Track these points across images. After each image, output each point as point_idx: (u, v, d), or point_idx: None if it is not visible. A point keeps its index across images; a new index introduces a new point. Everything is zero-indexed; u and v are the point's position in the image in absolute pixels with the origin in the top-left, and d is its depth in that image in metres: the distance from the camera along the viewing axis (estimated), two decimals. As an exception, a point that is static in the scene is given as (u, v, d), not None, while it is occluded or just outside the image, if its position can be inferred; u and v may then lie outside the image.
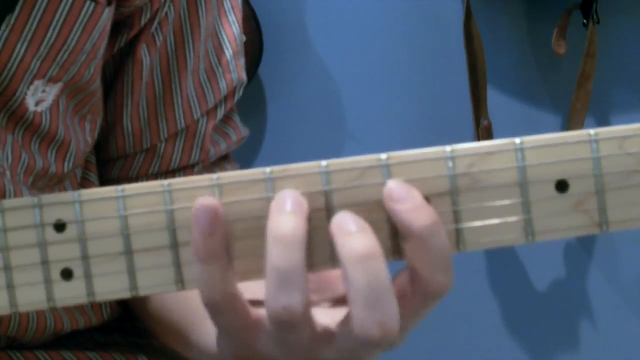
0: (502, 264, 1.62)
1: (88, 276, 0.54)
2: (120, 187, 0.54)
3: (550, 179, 0.52)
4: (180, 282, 0.54)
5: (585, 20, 1.48)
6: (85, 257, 0.54)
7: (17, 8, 0.65)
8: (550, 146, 0.52)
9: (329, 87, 1.59)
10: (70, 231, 0.54)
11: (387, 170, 0.52)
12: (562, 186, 0.52)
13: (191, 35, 0.77)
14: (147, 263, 0.54)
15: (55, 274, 0.54)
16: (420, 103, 1.58)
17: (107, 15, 0.70)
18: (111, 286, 0.54)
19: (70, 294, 0.54)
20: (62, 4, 0.67)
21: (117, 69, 0.77)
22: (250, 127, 0.86)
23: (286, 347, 0.54)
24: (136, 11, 0.74)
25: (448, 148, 0.52)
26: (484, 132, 1.50)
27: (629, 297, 1.62)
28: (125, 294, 0.54)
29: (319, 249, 0.53)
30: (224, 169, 0.83)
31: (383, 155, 0.53)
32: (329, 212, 0.52)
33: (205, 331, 0.64)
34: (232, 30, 0.80)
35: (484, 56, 1.50)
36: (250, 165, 1.57)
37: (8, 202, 0.54)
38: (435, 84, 1.57)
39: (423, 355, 1.57)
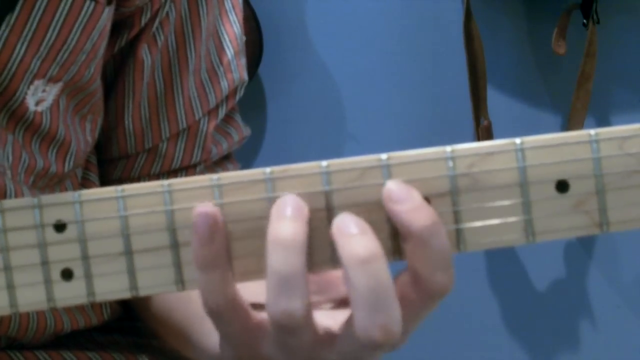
0: (502, 264, 1.62)
1: (88, 276, 0.54)
2: (120, 188, 0.54)
3: (550, 180, 0.52)
4: (181, 283, 0.54)
5: (585, 20, 1.48)
6: (85, 258, 0.54)
7: (17, 8, 0.65)
8: (550, 146, 0.52)
9: (329, 87, 1.58)
10: (71, 231, 0.54)
11: (388, 171, 0.52)
12: (562, 186, 0.52)
13: (192, 35, 0.77)
14: (147, 263, 0.54)
15: (56, 274, 0.54)
16: (420, 103, 1.58)
17: (107, 15, 0.70)
18: (111, 286, 0.54)
19: (71, 294, 0.54)
20: (62, 4, 0.66)
21: (117, 69, 0.77)
22: (250, 127, 0.86)
23: (288, 350, 0.54)
24: (136, 11, 0.74)
25: (448, 148, 0.52)
26: (484, 132, 1.50)
27: (629, 297, 1.61)
28: (126, 294, 0.54)
29: (319, 249, 0.52)
30: (226, 169, 0.83)
31: (383, 156, 0.52)
32: (330, 212, 0.52)
33: (206, 331, 0.64)
34: (233, 29, 0.80)
35: (484, 56, 1.50)
36: (250, 165, 1.57)
37: (8, 203, 0.54)
38: (435, 84, 1.57)
39: (423, 356, 1.57)
